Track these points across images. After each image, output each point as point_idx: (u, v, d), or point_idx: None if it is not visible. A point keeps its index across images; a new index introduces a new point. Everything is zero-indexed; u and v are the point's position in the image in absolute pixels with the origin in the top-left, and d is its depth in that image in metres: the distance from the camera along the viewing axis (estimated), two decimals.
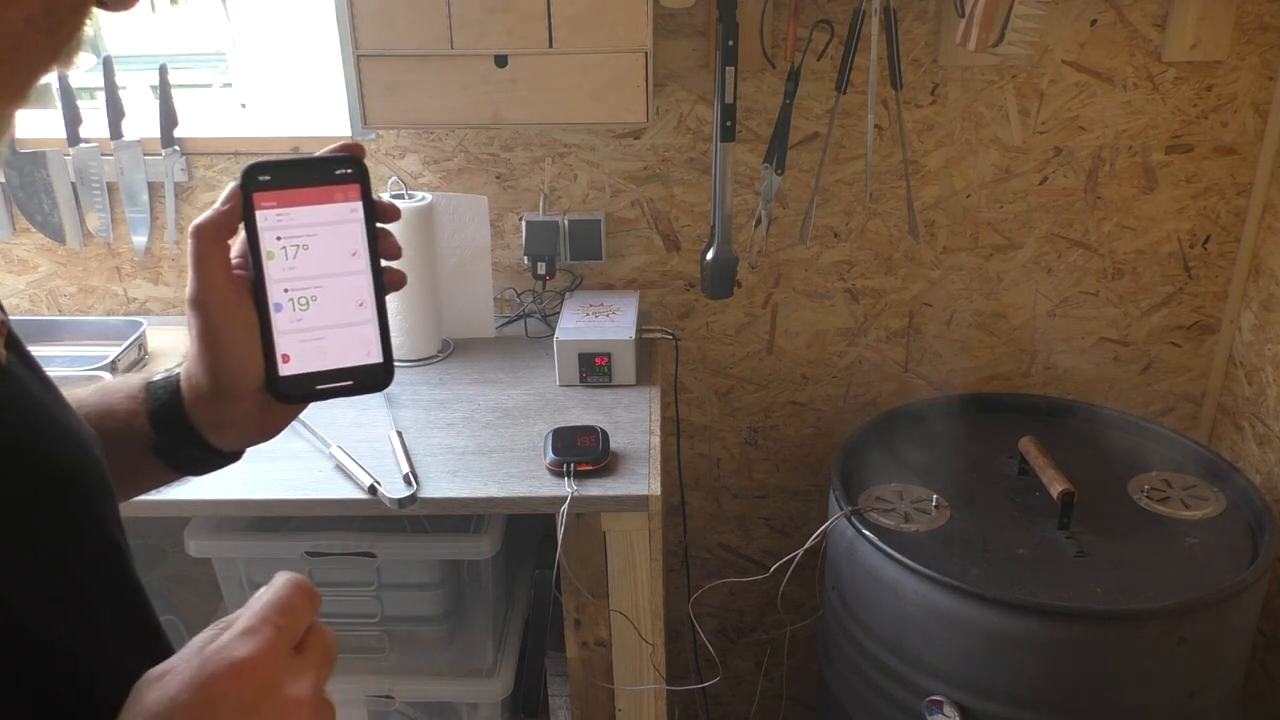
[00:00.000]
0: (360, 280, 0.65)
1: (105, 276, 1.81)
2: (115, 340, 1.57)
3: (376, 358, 0.66)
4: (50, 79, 1.69)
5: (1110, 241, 1.74)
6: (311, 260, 0.64)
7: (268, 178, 0.63)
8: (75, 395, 0.69)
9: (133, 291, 1.82)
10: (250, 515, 1.36)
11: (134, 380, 0.70)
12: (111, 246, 1.78)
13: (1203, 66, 1.61)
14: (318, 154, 0.65)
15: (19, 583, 0.47)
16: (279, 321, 0.64)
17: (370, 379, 0.66)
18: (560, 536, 1.26)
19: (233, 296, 0.63)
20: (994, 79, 1.63)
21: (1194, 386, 1.84)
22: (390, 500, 1.24)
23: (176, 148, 1.71)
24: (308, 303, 0.64)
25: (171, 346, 1.64)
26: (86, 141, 1.70)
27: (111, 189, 1.73)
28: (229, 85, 2.18)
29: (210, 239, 0.62)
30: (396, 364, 0.68)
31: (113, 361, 1.51)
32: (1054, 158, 1.68)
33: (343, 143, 0.66)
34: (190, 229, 0.62)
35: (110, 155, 1.70)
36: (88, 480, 0.55)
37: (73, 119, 1.69)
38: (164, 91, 1.68)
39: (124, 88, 1.74)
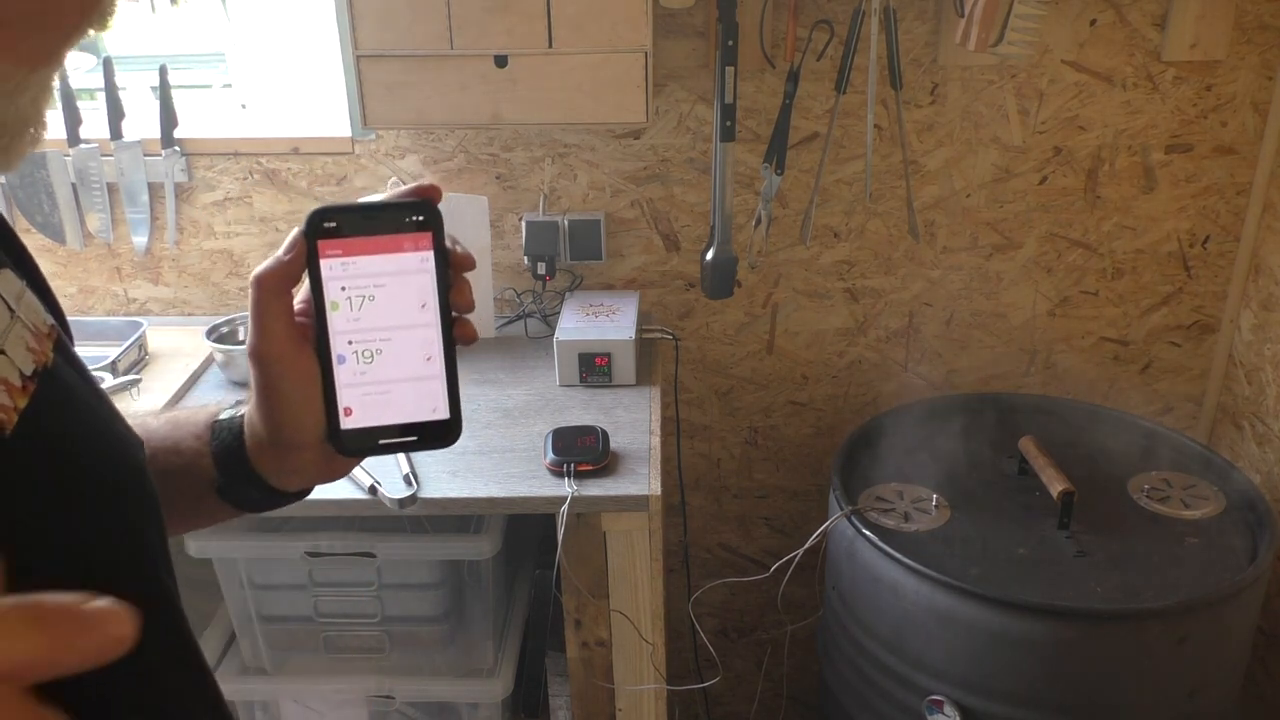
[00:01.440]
0: (429, 334, 0.61)
1: (105, 277, 1.81)
2: (115, 341, 1.57)
3: (444, 414, 0.62)
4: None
5: (1110, 241, 1.74)
6: (378, 312, 0.61)
7: (334, 224, 0.59)
8: (146, 425, 0.68)
9: (133, 292, 1.82)
10: (250, 515, 1.36)
11: (201, 417, 0.69)
12: (112, 247, 1.78)
13: (1202, 66, 1.61)
14: (388, 198, 0.61)
15: (45, 587, 0.47)
16: (341, 374, 0.61)
17: (436, 435, 0.62)
18: (560, 536, 1.26)
19: (292, 349, 0.60)
20: (994, 79, 1.63)
21: (1194, 386, 1.84)
22: (390, 500, 1.24)
23: (177, 148, 1.71)
24: (372, 356, 0.61)
25: (172, 347, 1.64)
26: (86, 142, 1.70)
27: (111, 189, 1.73)
28: (229, 86, 2.18)
29: (271, 289, 0.59)
30: None
31: (113, 362, 1.51)
32: (1053, 157, 1.68)
33: (416, 185, 0.62)
34: (251, 278, 0.59)
35: (110, 156, 1.70)
36: (126, 486, 0.54)
37: (73, 119, 1.69)
38: (164, 92, 1.68)
39: (124, 88, 1.74)
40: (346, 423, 0.62)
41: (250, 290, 0.59)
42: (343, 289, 0.60)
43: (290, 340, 0.60)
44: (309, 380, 0.61)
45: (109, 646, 0.32)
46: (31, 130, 0.44)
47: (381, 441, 0.62)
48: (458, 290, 0.62)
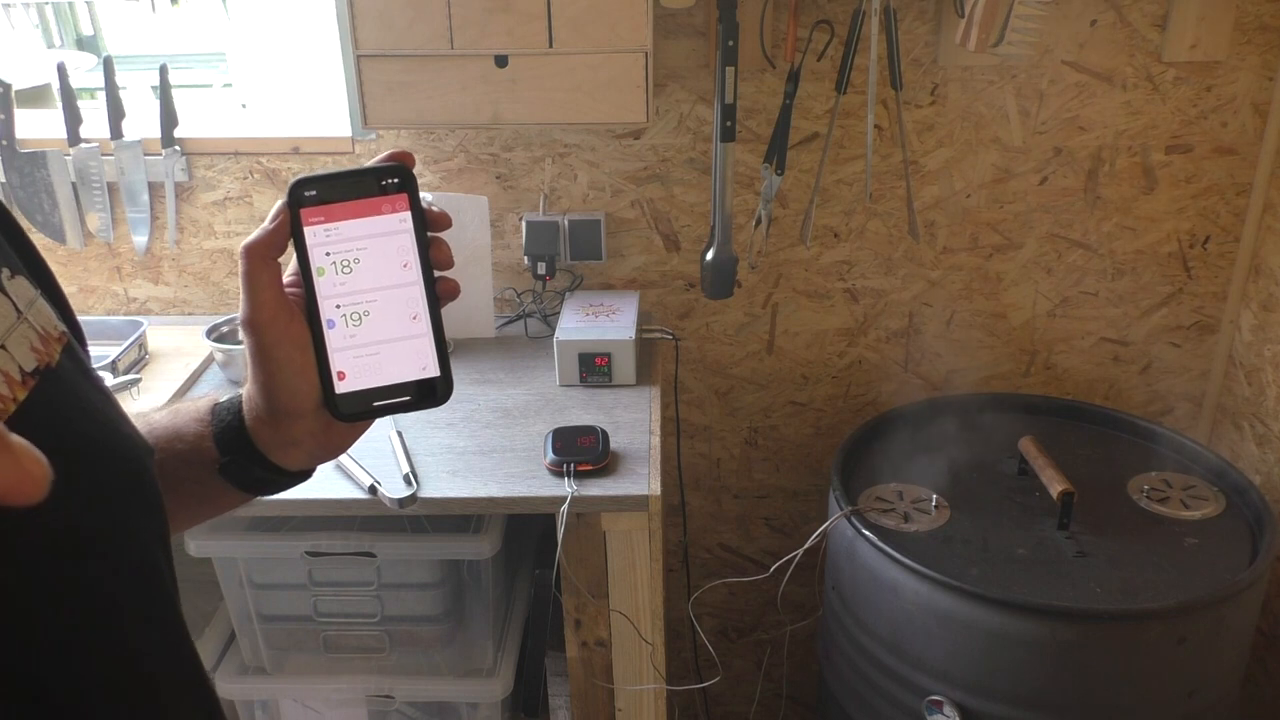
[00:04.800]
0: (413, 292, 0.64)
1: (105, 276, 1.81)
2: (115, 340, 1.57)
3: (433, 371, 0.64)
4: (51, 79, 1.68)
5: (1110, 241, 1.74)
6: (363, 275, 0.63)
7: (314, 193, 0.62)
8: (148, 418, 0.69)
9: (133, 291, 1.82)
10: (250, 515, 1.36)
11: (202, 403, 0.70)
12: (112, 246, 1.78)
13: (1202, 67, 1.62)
14: (364, 165, 0.64)
15: (40, 589, 0.46)
16: (332, 339, 0.63)
17: (428, 393, 0.64)
18: (560, 536, 1.26)
19: (283, 315, 0.62)
20: (994, 79, 1.63)
21: (1194, 386, 1.84)
22: (390, 500, 1.24)
23: (177, 148, 1.71)
24: (360, 318, 0.63)
25: (173, 347, 1.64)
26: (87, 141, 1.70)
27: (112, 189, 1.73)
28: (229, 85, 2.18)
29: (259, 258, 0.61)
30: None
31: (113, 361, 1.51)
32: (1054, 158, 1.68)
33: (390, 152, 0.65)
34: (240, 249, 0.61)
35: (111, 155, 1.71)
36: (127, 487, 0.54)
37: (73, 119, 1.69)
38: (164, 91, 1.68)
39: (124, 88, 1.75)
40: (340, 386, 0.63)
41: (240, 261, 0.61)
42: (327, 254, 0.63)
43: (281, 307, 0.62)
44: (301, 346, 0.63)
45: (26, 483, 0.29)
46: None
47: (376, 404, 0.64)
48: (436, 248, 0.65)
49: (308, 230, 0.62)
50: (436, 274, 0.65)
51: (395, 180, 0.63)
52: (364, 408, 0.64)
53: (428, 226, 0.64)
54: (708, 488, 1.95)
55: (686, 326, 1.81)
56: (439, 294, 0.65)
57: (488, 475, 1.31)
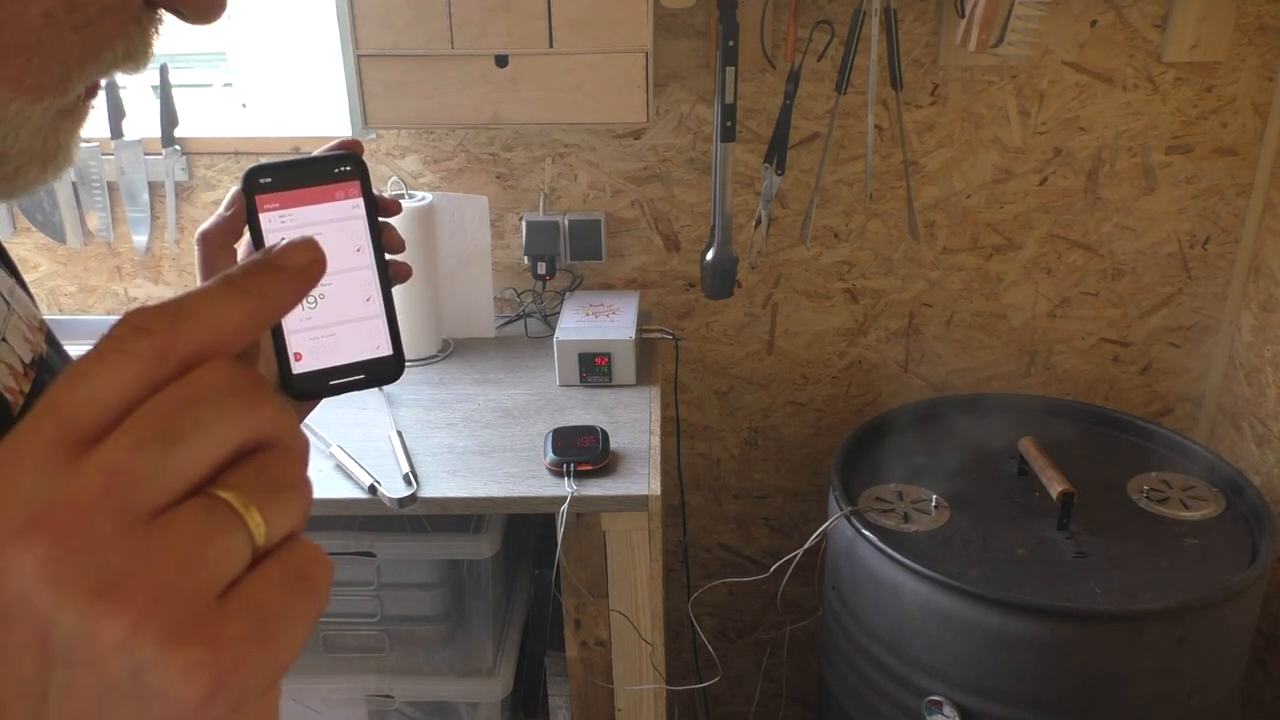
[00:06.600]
0: (366, 275, 0.66)
1: (105, 276, 1.81)
2: None
3: (386, 350, 0.66)
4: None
5: (1110, 242, 1.74)
6: None
7: (269, 179, 0.64)
8: None
9: (133, 291, 1.82)
10: None
11: None
12: (112, 246, 1.78)
13: (1203, 67, 1.62)
14: (316, 153, 0.66)
15: None
16: (289, 321, 0.64)
17: (381, 371, 0.66)
18: (560, 536, 1.26)
19: None
20: (994, 79, 1.63)
21: (1194, 387, 1.84)
22: (390, 500, 1.24)
23: (177, 147, 1.71)
24: (316, 301, 0.65)
25: None
26: (87, 141, 1.70)
27: (112, 188, 1.73)
28: (229, 85, 2.18)
29: (216, 244, 0.63)
30: None
31: None
32: (1054, 158, 1.68)
33: (340, 140, 0.67)
34: (196, 236, 0.63)
35: (111, 155, 1.70)
36: None
37: None
38: (164, 91, 1.68)
39: (124, 87, 1.74)
40: (298, 367, 0.66)
41: (196, 248, 0.64)
42: (283, 239, 0.64)
43: None
44: None
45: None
46: (38, 167, 0.43)
47: (332, 382, 0.67)
48: (388, 233, 0.68)
49: (263, 216, 0.64)
50: (388, 257, 0.68)
51: (347, 168, 0.65)
52: (320, 386, 0.66)
53: (379, 212, 0.67)
54: (708, 488, 1.95)
55: (686, 326, 1.81)
56: (391, 276, 0.67)
57: (488, 475, 1.31)
